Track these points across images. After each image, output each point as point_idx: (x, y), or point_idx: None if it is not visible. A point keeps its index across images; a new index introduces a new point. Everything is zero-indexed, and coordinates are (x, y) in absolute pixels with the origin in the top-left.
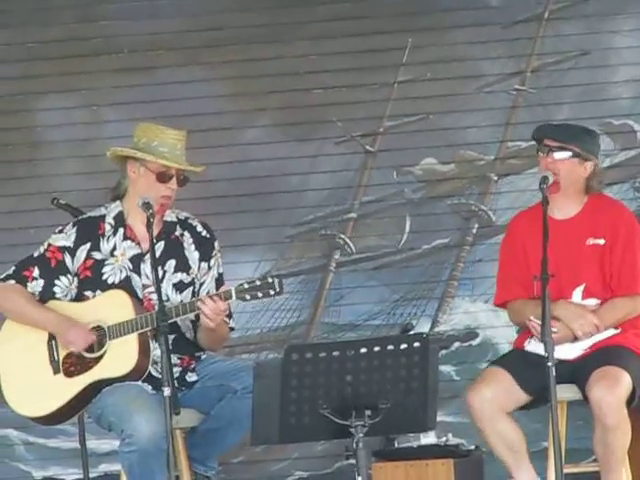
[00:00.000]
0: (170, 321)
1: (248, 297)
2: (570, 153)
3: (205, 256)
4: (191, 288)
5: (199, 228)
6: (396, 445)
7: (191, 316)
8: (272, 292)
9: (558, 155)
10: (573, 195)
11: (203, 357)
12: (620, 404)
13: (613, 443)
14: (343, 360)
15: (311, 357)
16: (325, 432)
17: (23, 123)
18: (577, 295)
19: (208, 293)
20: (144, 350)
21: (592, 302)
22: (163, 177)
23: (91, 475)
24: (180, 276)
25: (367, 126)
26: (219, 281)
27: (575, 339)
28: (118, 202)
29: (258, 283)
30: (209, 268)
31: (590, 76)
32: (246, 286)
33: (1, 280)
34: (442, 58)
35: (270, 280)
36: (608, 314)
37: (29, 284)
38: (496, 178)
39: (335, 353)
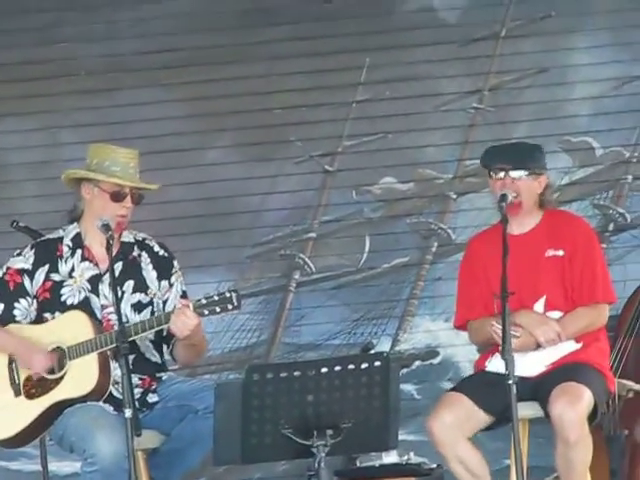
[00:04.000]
0: (130, 339)
1: (206, 312)
2: (526, 172)
3: (164, 274)
4: (150, 308)
5: (156, 248)
6: (358, 464)
7: (151, 335)
8: (230, 307)
9: (515, 174)
10: (530, 211)
11: (164, 378)
12: (581, 420)
13: (575, 459)
14: (304, 380)
15: (272, 377)
16: (287, 452)
17: None
18: (539, 308)
19: (174, 309)
20: (104, 370)
21: (555, 315)
22: (117, 196)
23: None
24: (138, 296)
25: (326, 146)
26: (184, 298)
27: (538, 347)
28: (75, 224)
29: (216, 298)
30: (170, 285)
31: (548, 93)
32: (204, 301)
33: None
34: (400, 77)
35: (228, 295)
36: (571, 323)
37: None
38: (455, 196)
39: (296, 373)
